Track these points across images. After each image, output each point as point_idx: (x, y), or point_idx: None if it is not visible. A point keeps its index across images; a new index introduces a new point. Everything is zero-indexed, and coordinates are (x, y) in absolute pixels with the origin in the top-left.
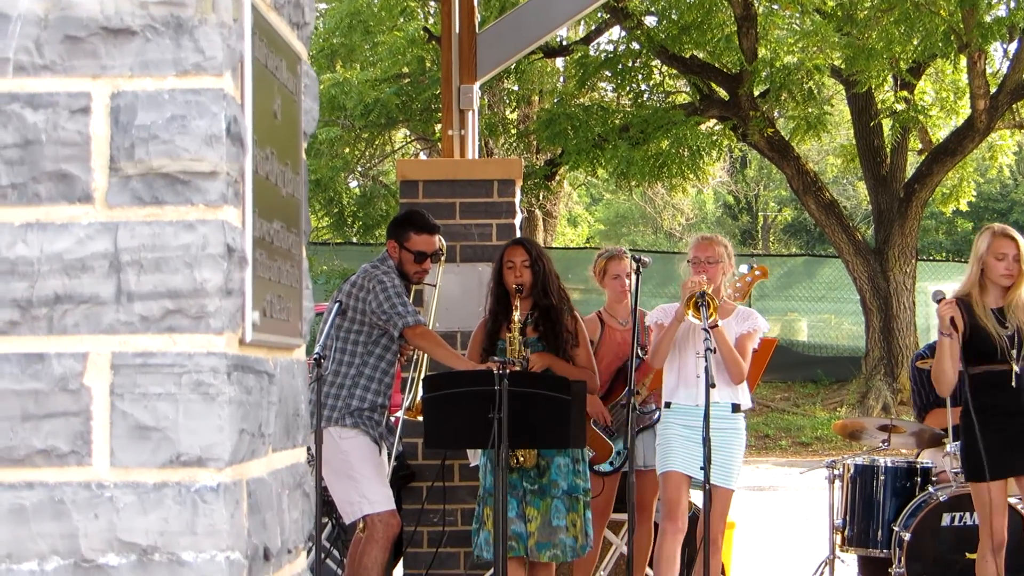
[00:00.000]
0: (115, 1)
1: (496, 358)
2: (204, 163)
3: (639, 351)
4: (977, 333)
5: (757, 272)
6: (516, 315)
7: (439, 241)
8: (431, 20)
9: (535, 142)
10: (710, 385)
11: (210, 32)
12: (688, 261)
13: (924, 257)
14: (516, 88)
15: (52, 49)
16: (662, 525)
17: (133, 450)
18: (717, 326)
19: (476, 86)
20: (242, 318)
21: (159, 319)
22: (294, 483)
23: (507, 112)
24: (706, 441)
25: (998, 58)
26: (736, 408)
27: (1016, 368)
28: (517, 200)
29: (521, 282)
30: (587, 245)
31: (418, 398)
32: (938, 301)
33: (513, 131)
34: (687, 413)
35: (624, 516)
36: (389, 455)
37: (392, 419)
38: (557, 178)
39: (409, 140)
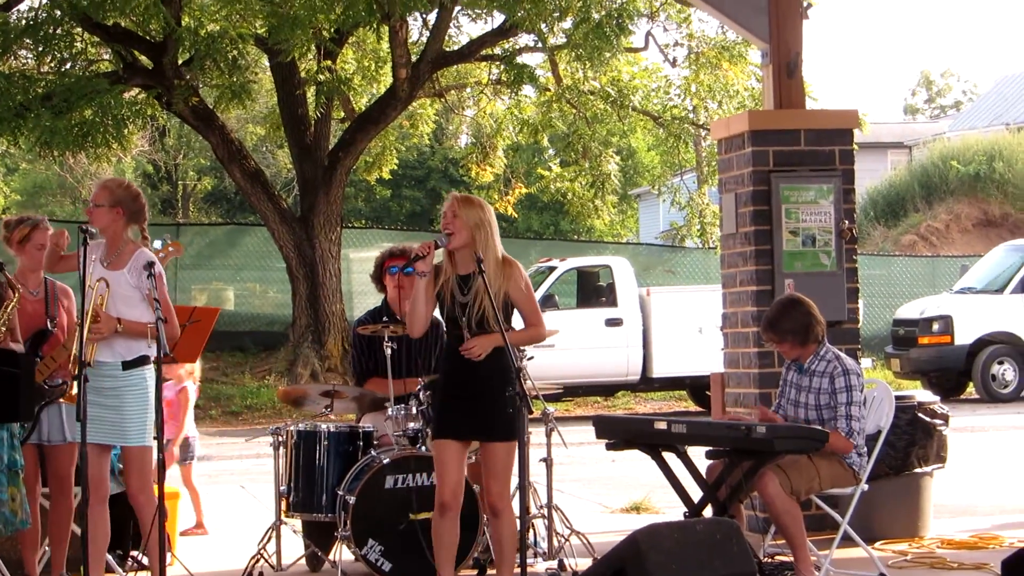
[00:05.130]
0: None
1: None
2: None
3: (49, 323)
4: (440, 298)
5: (171, 248)
6: None
7: None
8: None
9: None
10: None
11: None
12: None
13: (346, 225)
14: None
15: None
16: None
17: None
18: None
19: None
20: None
21: None
22: None
23: None
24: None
25: (417, 28)
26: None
27: (467, 335)
28: None
29: None
30: (2, 216)
31: None
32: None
33: None
34: None
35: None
36: None
37: None
38: None
39: None
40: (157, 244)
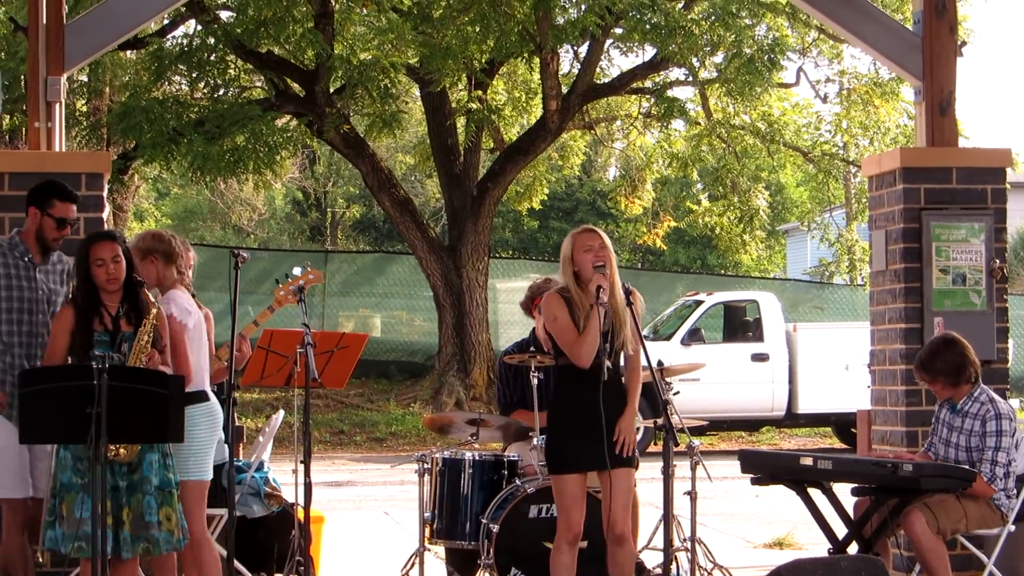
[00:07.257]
0: None
1: (104, 351)
2: None
3: None
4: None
5: (311, 276)
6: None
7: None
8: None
9: (107, 135)
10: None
11: None
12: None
13: (493, 255)
14: (86, 79)
15: None
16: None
17: None
18: None
19: (63, 78)
20: None
21: None
22: None
23: (78, 104)
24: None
25: (568, 60)
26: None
27: (608, 363)
28: (104, 193)
29: (117, 278)
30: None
31: None
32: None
33: (84, 123)
34: None
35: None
36: None
37: None
38: (130, 172)
39: None
40: (296, 271)
